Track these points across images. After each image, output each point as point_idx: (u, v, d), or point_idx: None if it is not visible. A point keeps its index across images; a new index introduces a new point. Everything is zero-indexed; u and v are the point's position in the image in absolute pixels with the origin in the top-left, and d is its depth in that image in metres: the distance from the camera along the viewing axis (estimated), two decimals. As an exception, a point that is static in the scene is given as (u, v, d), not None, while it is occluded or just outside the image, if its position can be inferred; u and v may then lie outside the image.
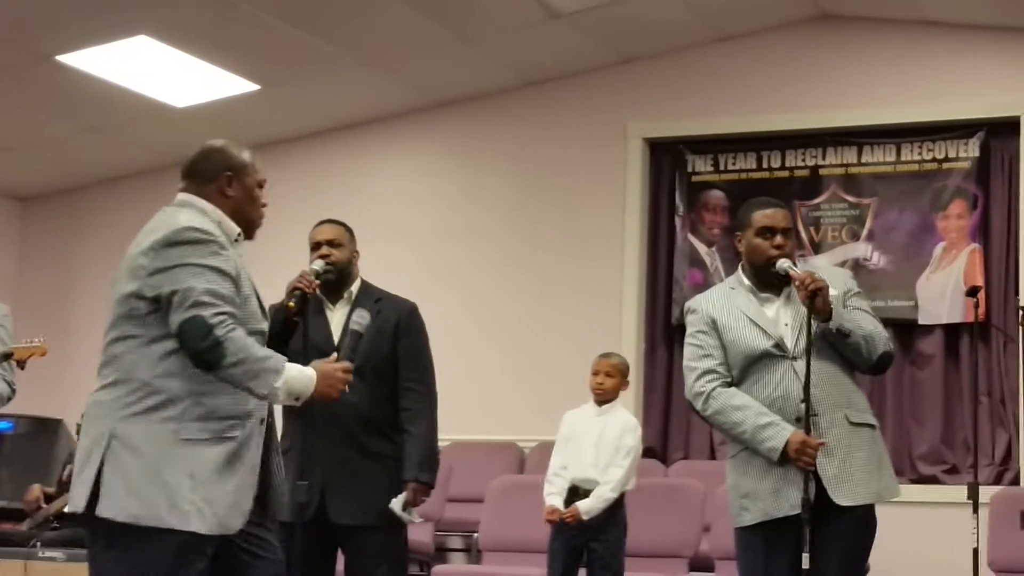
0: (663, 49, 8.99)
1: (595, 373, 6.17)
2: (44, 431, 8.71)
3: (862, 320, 4.33)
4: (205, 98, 9.19)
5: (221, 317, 3.40)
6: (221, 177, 3.73)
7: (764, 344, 4.33)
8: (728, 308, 4.41)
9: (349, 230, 5.15)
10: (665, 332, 9.00)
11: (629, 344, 8.84)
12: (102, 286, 11.00)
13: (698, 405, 4.44)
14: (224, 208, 3.70)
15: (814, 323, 4.24)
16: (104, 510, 3.31)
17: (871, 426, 4.37)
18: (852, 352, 4.30)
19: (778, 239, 4.37)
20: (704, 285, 8.89)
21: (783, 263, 4.33)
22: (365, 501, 4.83)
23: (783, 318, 4.37)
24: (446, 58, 8.90)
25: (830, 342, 4.30)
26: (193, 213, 3.61)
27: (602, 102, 9.23)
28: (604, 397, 6.13)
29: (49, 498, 7.46)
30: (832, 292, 4.30)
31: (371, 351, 4.81)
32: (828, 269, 4.54)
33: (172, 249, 3.44)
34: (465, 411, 7.74)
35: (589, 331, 8.83)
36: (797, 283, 4.26)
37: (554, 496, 5.99)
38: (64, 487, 7.50)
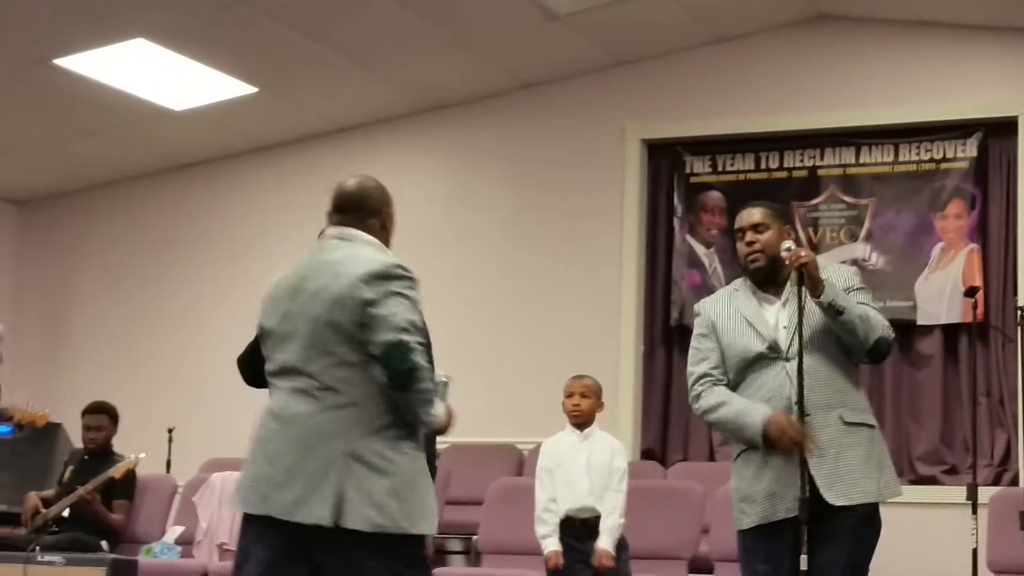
0: (660, 51, 8.99)
1: (569, 395, 6.10)
2: (43, 435, 8.70)
3: (860, 305, 4.34)
4: (203, 101, 9.19)
5: (419, 347, 3.74)
6: (382, 212, 4.05)
7: (758, 347, 4.35)
8: (728, 310, 4.45)
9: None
10: (664, 333, 9.00)
11: (628, 345, 8.84)
12: (100, 290, 11.04)
13: (693, 407, 4.52)
14: (383, 241, 4.01)
15: (809, 316, 4.26)
16: (351, 523, 3.61)
17: (869, 426, 4.36)
18: (848, 333, 4.28)
19: (748, 236, 4.43)
20: (702, 286, 8.89)
21: (785, 243, 4.35)
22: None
23: (782, 320, 4.38)
24: (442, 61, 8.90)
25: (828, 332, 4.31)
26: (378, 248, 3.94)
27: (599, 104, 9.22)
28: (581, 419, 6.07)
29: (47, 503, 7.45)
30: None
31: None
32: (832, 266, 4.55)
33: (384, 282, 3.77)
34: (463, 414, 7.68)
35: (588, 333, 8.83)
36: (786, 260, 4.31)
37: (550, 539, 5.92)
38: (64, 490, 7.49)
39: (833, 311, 4.26)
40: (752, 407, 4.30)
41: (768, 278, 4.43)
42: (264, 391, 3.96)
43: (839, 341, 4.33)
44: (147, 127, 9.58)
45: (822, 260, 4.46)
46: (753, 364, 4.36)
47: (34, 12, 7.81)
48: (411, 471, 3.72)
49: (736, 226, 4.52)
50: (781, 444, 4.21)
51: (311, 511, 3.63)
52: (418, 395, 3.72)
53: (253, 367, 4.84)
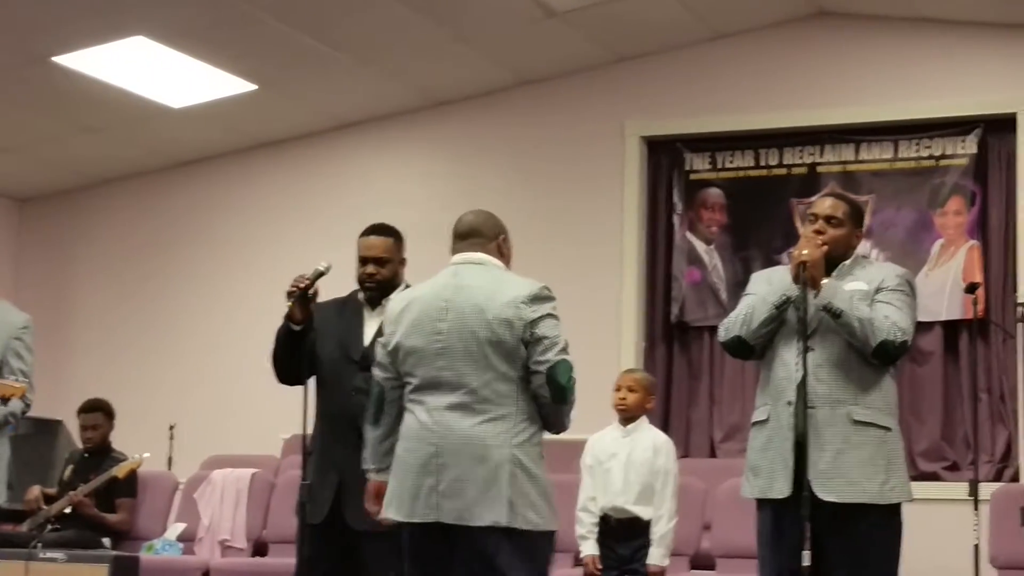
0: (660, 47, 8.99)
1: (617, 388, 5.98)
2: (44, 432, 8.72)
3: (866, 306, 4.32)
4: (202, 98, 9.19)
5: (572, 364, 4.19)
6: (499, 239, 4.43)
7: (788, 325, 4.39)
8: (781, 283, 4.46)
9: (398, 239, 5.18)
10: (664, 330, 9.01)
11: (628, 342, 8.85)
12: (100, 287, 11.03)
13: (721, 334, 4.59)
14: (505, 264, 4.42)
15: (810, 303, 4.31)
16: (520, 523, 4.02)
17: (882, 427, 4.34)
18: (848, 335, 4.30)
19: (818, 224, 4.48)
20: (702, 283, 8.91)
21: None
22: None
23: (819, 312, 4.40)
24: (442, 57, 8.90)
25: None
26: (513, 273, 4.39)
27: (599, 101, 9.22)
28: (628, 414, 5.93)
29: (49, 499, 7.46)
30: (856, 284, 4.37)
31: None
32: (876, 264, 4.60)
33: (542, 303, 4.19)
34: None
35: (588, 329, 8.81)
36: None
37: (587, 541, 5.83)
38: (65, 488, 7.50)
39: (830, 313, 4.28)
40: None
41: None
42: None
43: None
44: (147, 124, 9.59)
45: (871, 258, 4.52)
46: (780, 343, 4.41)
47: (33, 10, 7.80)
48: (546, 475, 4.16)
49: (809, 210, 4.57)
50: (801, 256, 4.30)
51: (483, 514, 4.02)
52: (568, 407, 4.18)
53: (287, 366, 4.93)
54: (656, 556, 5.79)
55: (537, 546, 4.11)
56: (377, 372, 4.32)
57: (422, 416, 4.13)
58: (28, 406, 5.43)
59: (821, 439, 4.25)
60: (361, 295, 5.03)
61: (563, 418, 4.19)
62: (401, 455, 4.16)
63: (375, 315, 4.97)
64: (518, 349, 4.11)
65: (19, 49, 8.31)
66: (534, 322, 4.13)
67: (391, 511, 4.15)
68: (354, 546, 4.85)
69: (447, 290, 4.22)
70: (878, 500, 4.29)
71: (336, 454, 4.80)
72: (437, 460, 4.07)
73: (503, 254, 4.41)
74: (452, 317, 4.15)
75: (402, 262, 5.15)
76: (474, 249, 4.36)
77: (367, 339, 4.94)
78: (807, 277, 4.30)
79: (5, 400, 5.24)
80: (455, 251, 4.39)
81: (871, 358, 4.32)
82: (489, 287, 4.20)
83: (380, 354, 4.32)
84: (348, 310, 5.02)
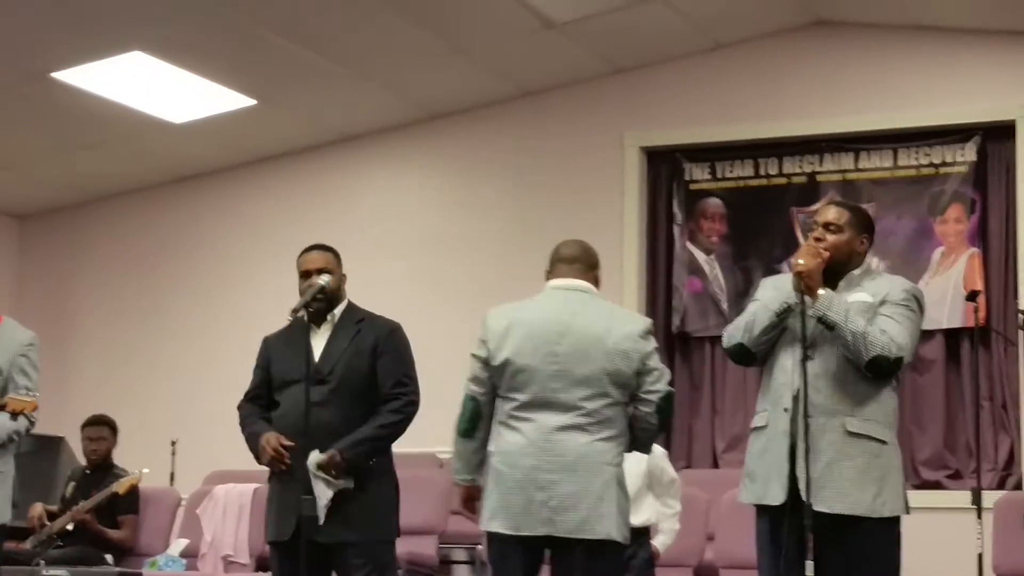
0: (658, 58, 8.99)
1: None
2: (46, 449, 8.71)
3: (864, 319, 4.30)
4: (202, 113, 9.19)
5: None
6: (597, 268, 4.73)
7: (788, 334, 4.39)
8: (784, 291, 4.44)
9: (336, 255, 5.26)
10: (666, 341, 8.99)
11: (629, 353, 8.83)
12: (101, 303, 11.01)
13: (725, 340, 4.60)
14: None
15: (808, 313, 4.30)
16: (621, 535, 4.41)
17: (877, 440, 4.32)
18: (842, 347, 4.29)
19: (817, 232, 4.48)
20: (703, 293, 8.90)
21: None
22: (347, 519, 4.87)
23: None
24: (441, 70, 8.90)
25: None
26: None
27: (598, 112, 9.23)
28: None
29: (52, 516, 7.45)
30: (860, 296, 4.36)
31: (348, 371, 5.01)
32: (887, 277, 4.57)
33: (651, 337, 4.57)
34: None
35: (589, 341, 8.82)
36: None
37: None
38: (67, 504, 7.49)
39: (824, 324, 4.28)
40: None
41: (825, 277, 4.40)
42: None
43: None
44: (146, 140, 9.59)
45: (872, 264, 4.53)
46: (781, 350, 4.41)
47: (32, 26, 7.81)
48: None
49: (813, 218, 4.58)
50: (799, 266, 4.31)
51: (595, 528, 4.33)
52: (662, 432, 4.71)
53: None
54: (659, 541, 5.95)
55: (621, 558, 4.53)
56: (473, 387, 4.52)
57: (531, 434, 4.39)
58: (33, 424, 5.43)
59: (815, 449, 4.23)
60: (304, 316, 5.05)
61: (655, 441, 4.70)
62: (502, 470, 4.39)
63: (322, 330, 5.04)
64: (632, 379, 4.45)
65: (17, 66, 8.31)
66: (648, 355, 4.50)
67: (495, 524, 4.37)
68: (324, 560, 4.88)
69: (562, 314, 4.49)
70: (869, 513, 4.26)
71: (300, 470, 4.84)
72: (548, 476, 4.34)
73: (598, 284, 4.69)
74: (569, 342, 4.44)
75: (343, 278, 5.20)
76: (576, 276, 4.63)
77: (317, 355, 5.01)
78: (804, 287, 4.30)
79: (15, 415, 5.25)
80: (558, 274, 4.65)
81: (864, 372, 4.30)
82: (605, 318, 4.52)
83: (476, 368, 4.53)
84: (295, 333, 5.12)
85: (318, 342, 5.06)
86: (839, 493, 4.23)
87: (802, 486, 4.21)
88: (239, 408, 5.25)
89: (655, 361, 4.53)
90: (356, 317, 5.16)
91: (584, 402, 4.40)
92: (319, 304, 5.06)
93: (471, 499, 4.55)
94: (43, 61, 8.28)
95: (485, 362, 4.50)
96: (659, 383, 4.51)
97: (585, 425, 4.40)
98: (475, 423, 4.50)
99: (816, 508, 4.20)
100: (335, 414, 4.94)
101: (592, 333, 4.46)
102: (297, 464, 4.90)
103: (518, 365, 4.43)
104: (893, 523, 4.34)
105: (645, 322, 4.62)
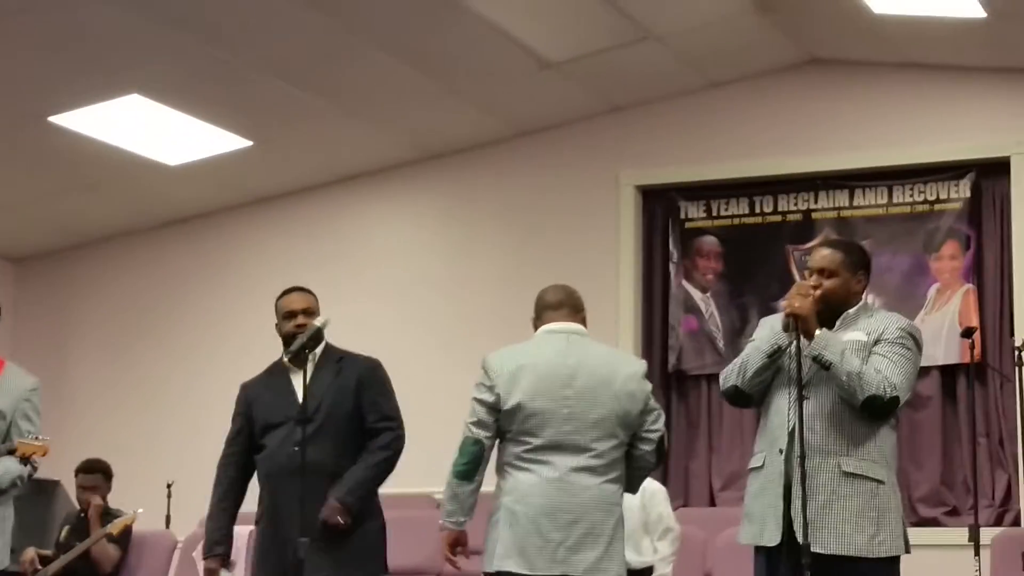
0: (653, 97, 9.02)
1: None
2: (41, 493, 8.66)
3: (858, 359, 4.28)
4: (198, 155, 9.21)
5: None
6: (584, 311, 4.78)
7: (783, 377, 4.38)
8: (769, 331, 4.47)
9: (315, 297, 5.35)
10: (662, 379, 8.97)
11: (626, 392, 8.82)
12: (97, 345, 10.95)
13: (722, 381, 4.60)
14: None
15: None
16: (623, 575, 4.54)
17: (874, 480, 4.30)
18: (838, 388, 4.28)
19: (813, 279, 4.47)
20: (699, 331, 8.90)
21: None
22: (337, 558, 4.88)
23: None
24: (436, 110, 8.93)
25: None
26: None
27: (593, 151, 9.25)
28: None
29: (45, 560, 7.41)
30: (854, 335, 4.35)
31: (332, 408, 5.06)
32: (881, 313, 4.56)
33: (647, 379, 4.68)
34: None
35: (586, 380, 8.80)
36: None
37: None
38: (62, 548, 7.45)
39: (820, 364, 4.27)
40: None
41: (822, 318, 4.39)
42: None
43: None
44: (143, 182, 9.60)
45: (868, 300, 4.53)
46: (776, 391, 4.40)
47: (29, 69, 7.84)
48: None
49: (807, 263, 4.61)
50: (790, 308, 4.30)
51: (608, 569, 4.43)
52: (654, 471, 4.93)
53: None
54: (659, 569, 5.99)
55: None
56: (477, 431, 4.53)
57: (547, 474, 4.44)
58: (35, 469, 5.42)
59: (811, 489, 4.22)
60: (285, 357, 5.08)
61: (643, 481, 4.82)
62: (517, 510, 4.42)
63: (301, 373, 5.07)
64: (636, 419, 4.56)
65: (15, 109, 8.33)
66: (649, 395, 4.63)
67: (509, 564, 4.38)
68: None
69: (569, 358, 4.55)
70: (866, 553, 4.25)
71: (292, 510, 4.85)
72: (566, 516, 4.41)
73: (585, 326, 4.75)
74: (580, 385, 4.50)
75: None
76: (569, 319, 4.70)
77: (299, 395, 5.02)
78: (800, 329, 4.29)
79: (26, 459, 5.25)
80: (548, 319, 4.71)
81: (862, 411, 4.29)
82: (607, 360, 4.63)
83: (481, 412, 4.55)
84: (275, 376, 5.21)
85: (299, 382, 5.06)
86: (835, 533, 4.22)
87: (797, 527, 4.20)
88: (218, 468, 5.32)
89: (653, 401, 4.64)
90: (335, 356, 5.23)
91: (595, 443, 4.48)
92: (314, 344, 5.08)
93: (459, 544, 4.56)
94: (41, 105, 8.31)
95: (492, 406, 4.53)
96: (658, 422, 4.63)
97: (596, 467, 4.47)
98: (476, 466, 4.52)
99: (813, 549, 4.18)
100: (323, 452, 4.96)
101: (599, 375, 4.54)
102: (286, 505, 4.90)
103: (531, 409, 4.47)
104: (891, 563, 4.33)
105: (643, 363, 4.74)
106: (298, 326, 5.14)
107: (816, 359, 4.27)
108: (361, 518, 5.00)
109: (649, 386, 4.64)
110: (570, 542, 4.38)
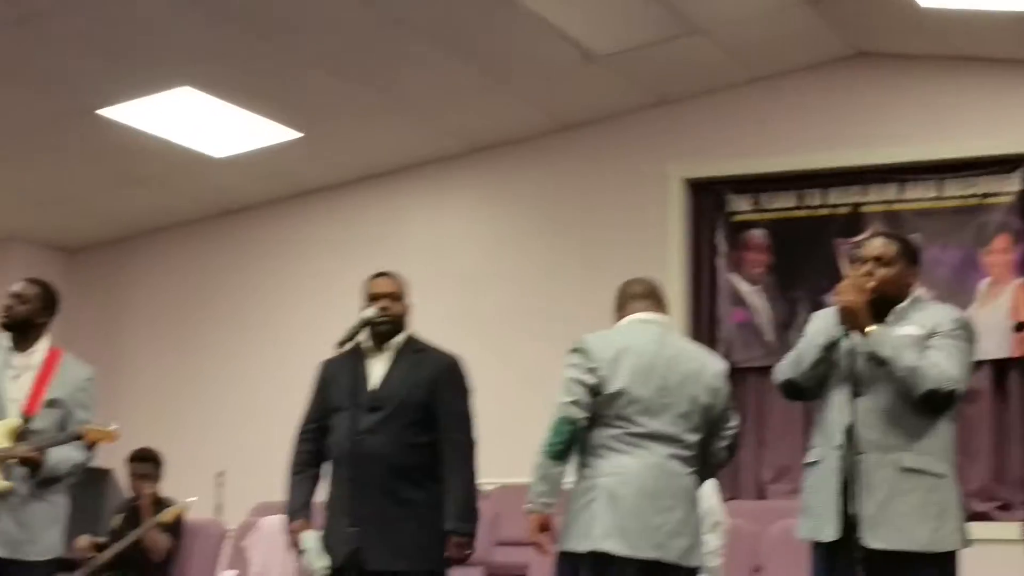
0: (700, 90, 9.01)
1: None
2: (94, 481, 8.75)
3: (915, 353, 4.26)
4: (247, 147, 9.27)
5: None
6: (667, 305, 4.82)
7: (840, 374, 4.36)
8: (825, 323, 4.47)
9: (405, 283, 5.29)
10: (710, 372, 8.96)
11: (673, 385, 8.81)
12: (149, 336, 11.04)
13: (775, 376, 4.64)
14: None
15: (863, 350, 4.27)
16: (701, 564, 4.59)
17: (934, 474, 4.29)
18: (897, 382, 4.26)
19: (867, 266, 4.44)
20: (748, 324, 8.89)
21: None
22: (397, 547, 4.89)
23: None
24: (482, 103, 8.95)
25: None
26: None
27: (640, 144, 9.24)
28: None
29: (100, 548, 7.48)
30: (909, 329, 4.33)
31: (403, 400, 5.02)
32: (933, 305, 4.55)
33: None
34: (507, 455, 7.74)
35: (633, 373, 8.81)
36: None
37: None
38: (115, 536, 7.53)
39: (876, 361, 4.25)
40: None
41: (875, 310, 4.38)
42: None
43: None
44: (193, 174, 9.68)
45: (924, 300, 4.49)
46: (833, 386, 4.39)
47: (80, 63, 7.91)
48: None
49: (859, 252, 4.56)
50: (842, 302, 4.30)
51: (694, 557, 4.49)
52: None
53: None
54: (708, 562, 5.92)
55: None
56: (575, 411, 4.50)
57: (649, 459, 4.46)
58: (91, 457, 5.49)
59: (870, 486, 4.22)
60: (366, 340, 5.09)
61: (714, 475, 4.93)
62: (618, 491, 4.40)
63: (381, 357, 5.06)
64: (717, 416, 4.62)
65: (67, 102, 8.41)
66: (729, 393, 4.70)
67: (608, 544, 4.35)
68: None
69: (666, 348, 4.60)
70: (928, 548, 4.23)
71: (350, 499, 4.87)
72: (664, 502, 4.42)
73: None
74: (676, 377, 4.54)
75: (409, 306, 5.23)
76: (654, 311, 4.74)
77: (373, 382, 5.01)
78: (853, 324, 4.27)
79: (92, 446, 5.33)
80: (633, 309, 4.75)
81: (920, 405, 4.27)
82: (696, 355, 4.71)
83: (580, 393, 4.52)
84: (353, 358, 5.15)
85: (375, 369, 5.08)
86: (896, 529, 4.20)
87: (858, 523, 4.19)
88: (294, 444, 5.26)
89: (730, 399, 4.73)
90: (416, 347, 5.18)
91: (685, 435, 4.53)
92: (385, 327, 5.09)
93: (545, 527, 4.52)
94: (92, 98, 8.39)
95: (592, 388, 4.52)
96: (734, 420, 4.71)
97: (686, 457, 4.54)
98: (570, 447, 4.50)
99: (873, 545, 4.17)
100: (386, 443, 4.96)
101: (692, 368, 4.60)
102: (344, 492, 4.92)
103: (633, 395, 4.50)
104: (951, 557, 4.31)
105: (724, 362, 4.81)
106: (382, 309, 5.11)
107: (871, 356, 4.25)
108: (425, 508, 4.98)
109: (727, 385, 4.71)
110: (668, 527, 4.41)
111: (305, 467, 5.20)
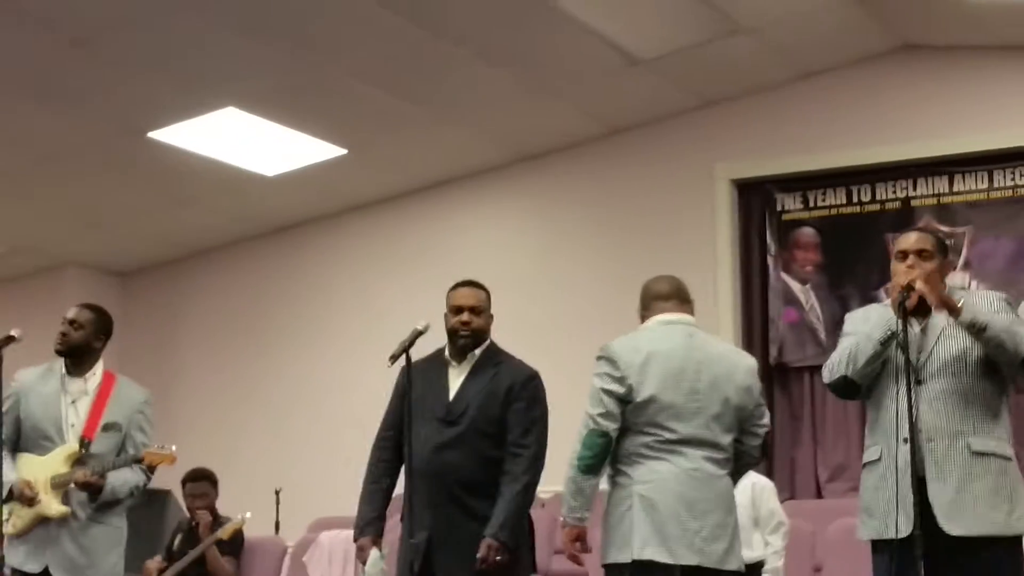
0: (745, 89, 8.98)
1: None
2: (154, 503, 8.81)
3: (1006, 319, 4.24)
4: (294, 165, 9.32)
5: None
6: (691, 301, 4.70)
7: (892, 365, 4.32)
8: (882, 319, 4.38)
9: (488, 294, 5.21)
10: (764, 372, 8.87)
11: (728, 387, 8.79)
12: (203, 355, 11.11)
13: (825, 374, 4.53)
14: None
15: (951, 341, 4.24)
16: (742, 567, 4.50)
17: (1002, 457, 4.26)
18: (995, 349, 4.19)
19: (909, 260, 4.38)
20: (800, 323, 8.84)
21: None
22: (467, 560, 4.86)
23: (927, 344, 4.33)
24: (528, 111, 8.96)
25: (962, 358, 4.26)
26: None
27: (687, 146, 9.22)
28: None
29: (160, 571, 7.52)
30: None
31: (479, 413, 4.94)
32: (978, 293, 4.52)
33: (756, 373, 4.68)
34: (562, 462, 7.73)
35: (687, 376, 8.78)
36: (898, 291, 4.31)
37: None
38: (175, 557, 7.57)
39: (976, 329, 4.19)
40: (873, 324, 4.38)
41: (919, 306, 4.33)
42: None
43: (978, 366, 4.25)
44: (241, 193, 9.74)
45: (969, 288, 4.46)
46: (885, 380, 4.35)
47: (128, 88, 7.99)
48: None
49: (898, 247, 4.47)
50: (897, 288, 4.27)
51: (733, 560, 4.41)
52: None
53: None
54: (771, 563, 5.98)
55: None
56: (606, 423, 4.42)
57: (682, 463, 4.38)
58: (149, 479, 5.53)
59: (943, 473, 4.19)
60: (447, 351, 5.07)
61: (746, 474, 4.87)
62: (654, 498, 4.35)
63: (461, 368, 5.03)
64: (749, 414, 4.55)
65: (115, 126, 8.50)
66: (760, 390, 4.62)
67: (649, 552, 4.31)
68: None
69: (694, 351, 4.50)
70: (1005, 531, 4.20)
71: (424, 511, 4.85)
72: (702, 507, 4.36)
73: (693, 316, 4.69)
74: (707, 379, 4.46)
75: (491, 317, 5.17)
76: (679, 310, 4.63)
77: (451, 394, 4.99)
78: (935, 302, 4.23)
79: (151, 469, 5.36)
80: (658, 309, 4.63)
81: (1019, 370, 4.23)
82: (725, 354, 4.62)
83: (610, 403, 4.43)
84: (434, 367, 5.08)
85: (455, 381, 5.03)
86: (975, 515, 4.17)
87: (936, 512, 4.14)
88: (372, 450, 5.19)
89: (762, 396, 4.64)
90: (496, 359, 5.11)
91: (719, 437, 4.47)
92: (464, 342, 5.03)
93: (581, 539, 4.48)
94: (140, 121, 8.46)
95: (622, 398, 4.43)
96: (765, 417, 4.62)
97: (720, 460, 4.47)
98: (603, 460, 4.43)
99: (954, 533, 4.14)
100: (463, 457, 4.91)
101: (722, 370, 4.51)
102: (417, 504, 4.89)
103: (664, 401, 4.41)
104: (1020, 541, 4.27)
105: (753, 358, 4.74)
106: (463, 323, 5.05)
107: (971, 324, 4.20)
108: (484, 515, 4.90)
109: (758, 382, 4.63)
110: (705, 532, 4.35)
111: (381, 477, 5.12)
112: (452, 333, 5.08)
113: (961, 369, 4.27)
